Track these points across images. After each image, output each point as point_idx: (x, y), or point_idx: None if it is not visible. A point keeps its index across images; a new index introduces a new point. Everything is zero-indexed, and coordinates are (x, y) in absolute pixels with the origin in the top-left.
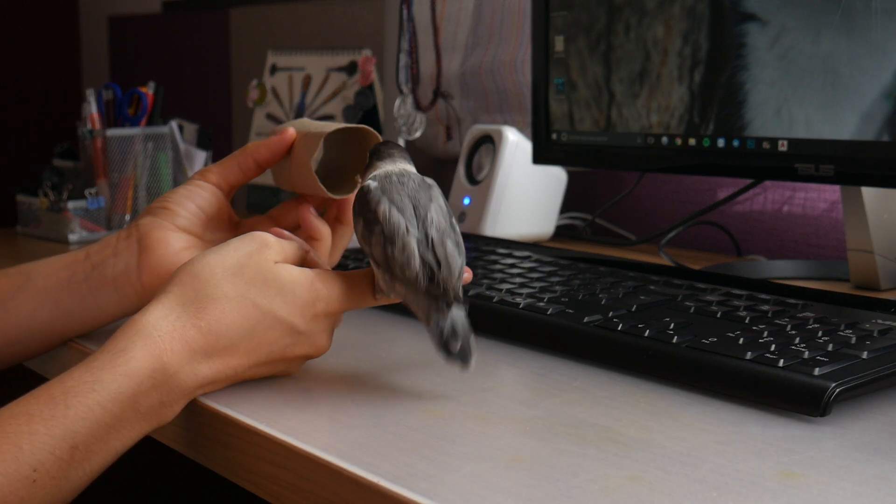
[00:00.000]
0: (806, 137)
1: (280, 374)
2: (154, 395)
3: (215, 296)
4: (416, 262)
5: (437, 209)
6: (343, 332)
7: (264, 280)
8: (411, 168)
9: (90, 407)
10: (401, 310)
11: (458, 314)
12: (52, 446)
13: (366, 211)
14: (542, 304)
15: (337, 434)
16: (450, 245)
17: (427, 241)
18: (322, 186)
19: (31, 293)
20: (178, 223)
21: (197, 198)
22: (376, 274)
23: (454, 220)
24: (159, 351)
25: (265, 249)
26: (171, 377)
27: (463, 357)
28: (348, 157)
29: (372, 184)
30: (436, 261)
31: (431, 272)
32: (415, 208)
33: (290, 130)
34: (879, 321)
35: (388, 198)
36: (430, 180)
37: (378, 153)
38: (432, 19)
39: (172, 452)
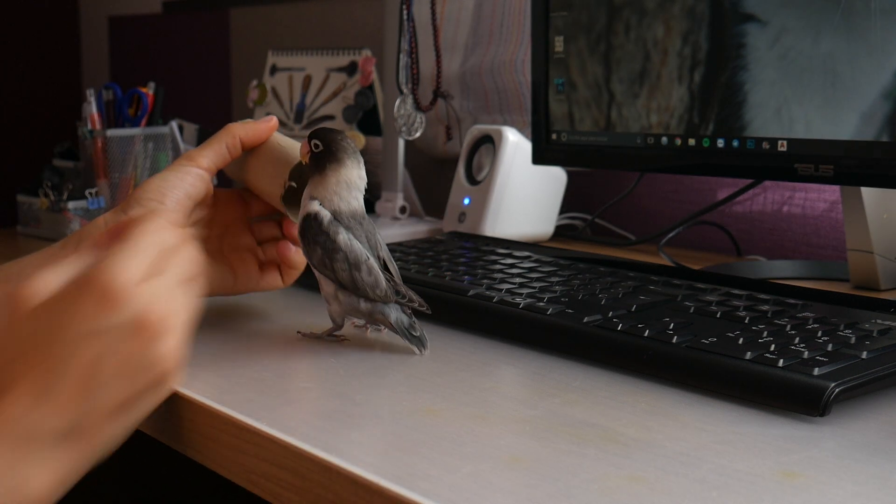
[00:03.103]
0: (806, 137)
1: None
2: None
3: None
4: (383, 282)
5: (377, 231)
6: (342, 331)
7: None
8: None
9: None
10: None
11: (404, 313)
12: None
13: (324, 240)
14: (541, 304)
15: (337, 434)
16: (394, 262)
17: (380, 261)
18: (288, 213)
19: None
20: (170, 218)
21: (186, 185)
22: (328, 288)
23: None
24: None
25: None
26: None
27: (422, 341)
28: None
29: (321, 212)
30: (391, 274)
31: (395, 289)
32: (367, 234)
33: (274, 119)
34: (879, 321)
35: (344, 225)
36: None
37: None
38: (432, 19)
39: (171, 451)
